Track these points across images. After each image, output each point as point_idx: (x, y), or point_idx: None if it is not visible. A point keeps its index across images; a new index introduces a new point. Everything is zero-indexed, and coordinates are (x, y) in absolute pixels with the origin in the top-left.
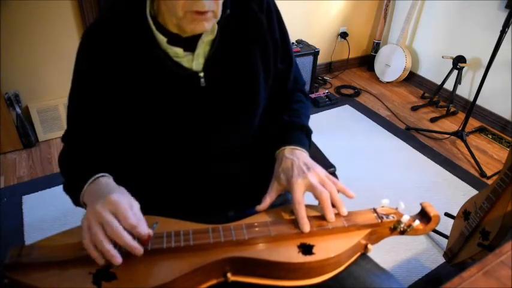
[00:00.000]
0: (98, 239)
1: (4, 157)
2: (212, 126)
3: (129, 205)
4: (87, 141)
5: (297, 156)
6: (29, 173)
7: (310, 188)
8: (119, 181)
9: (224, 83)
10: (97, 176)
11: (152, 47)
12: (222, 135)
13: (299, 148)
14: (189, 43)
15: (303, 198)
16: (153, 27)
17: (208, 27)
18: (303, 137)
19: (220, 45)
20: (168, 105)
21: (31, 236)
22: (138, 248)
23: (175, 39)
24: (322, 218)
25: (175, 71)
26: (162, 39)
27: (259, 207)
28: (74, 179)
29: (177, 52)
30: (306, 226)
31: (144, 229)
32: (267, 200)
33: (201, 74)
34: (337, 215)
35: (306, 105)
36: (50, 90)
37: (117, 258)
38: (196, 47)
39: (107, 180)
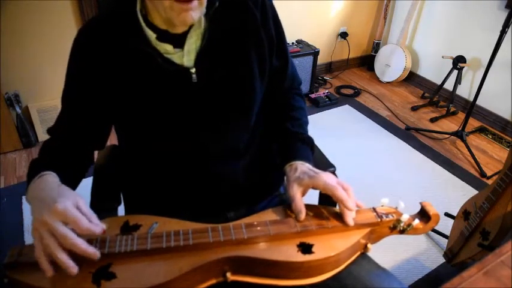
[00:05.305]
0: (52, 251)
1: (4, 157)
2: (208, 122)
3: (75, 206)
4: (66, 140)
5: (307, 166)
6: None
7: (336, 183)
8: (118, 182)
9: (217, 77)
10: (41, 174)
11: (142, 45)
12: (218, 131)
13: (307, 164)
14: (178, 39)
15: (336, 184)
16: (143, 24)
17: (196, 17)
18: (308, 151)
19: (211, 39)
20: (161, 102)
21: (31, 236)
22: (95, 253)
23: (164, 36)
24: (322, 217)
25: (166, 67)
26: (151, 35)
27: (300, 218)
28: (31, 169)
29: (166, 49)
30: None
31: (96, 227)
32: (302, 206)
33: (193, 70)
34: (338, 214)
35: (305, 111)
36: (50, 90)
37: (73, 269)
38: (185, 43)
39: (47, 179)
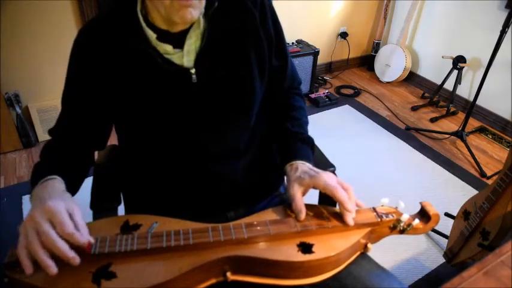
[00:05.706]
0: (33, 248)
1: (4, 157)
2: (208, 122)
3: (68, 212)
4: (67, 140)
5: (308, 165)
6: (29, 173)
7: (336, 184)
8: (118, 182)
9: (216, 78)
10: (48, 178)
11: (142, 45)
12: (218, 131)
13: (307, 163)
14: (178, 40)
15: (336, 184)
16: (143, 24)
17: (196, 15)
18: (309, 151)
19: (210, 39)
20: (161, 103)
21: None
22: (73, 258)
23: (164, 36)
24: (322, 217)
25: (166, 67)
26: (151, 35)
27: (301, 218)
28: (35, 173)
29: (166, 49)
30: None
31: (81, 237)
32: (302, 206)
33: (192, 71)
34: (338, 214)
35: (305, 111)
36: (50, 90)
37: (52, 269)
38: (185, 43)
39: (53, 184)
